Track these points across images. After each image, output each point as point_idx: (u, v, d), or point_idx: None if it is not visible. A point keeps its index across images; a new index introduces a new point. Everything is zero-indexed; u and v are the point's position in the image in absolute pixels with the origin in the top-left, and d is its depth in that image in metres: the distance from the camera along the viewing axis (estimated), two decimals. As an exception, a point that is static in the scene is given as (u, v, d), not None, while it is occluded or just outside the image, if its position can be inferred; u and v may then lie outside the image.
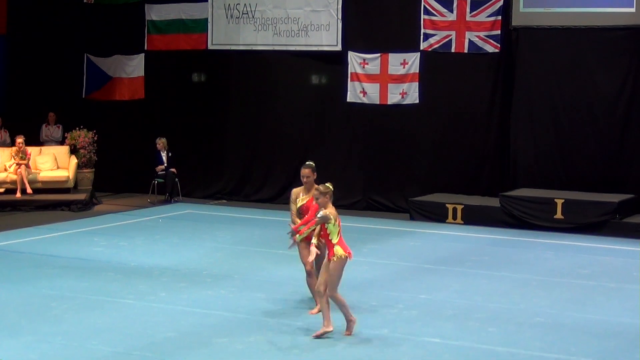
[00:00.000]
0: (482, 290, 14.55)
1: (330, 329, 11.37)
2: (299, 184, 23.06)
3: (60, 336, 11.66)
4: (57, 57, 25.24)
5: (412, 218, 21.00)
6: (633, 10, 20.19)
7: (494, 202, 20.72)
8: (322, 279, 11.49)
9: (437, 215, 20.82)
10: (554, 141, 21.24)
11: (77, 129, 24.01)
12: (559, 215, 19.88)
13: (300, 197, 12.75)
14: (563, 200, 19.92)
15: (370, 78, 22.56)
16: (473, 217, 20.55)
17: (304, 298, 13.51)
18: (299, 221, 12.44)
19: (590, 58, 20.84)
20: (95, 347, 11.24)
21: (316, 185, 12.06)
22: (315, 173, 12.68)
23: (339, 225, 11.47)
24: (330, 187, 11.64)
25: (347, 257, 11.42)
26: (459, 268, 16.11)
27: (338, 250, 11.36)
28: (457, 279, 15.27)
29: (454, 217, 20.72)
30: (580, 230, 19.52)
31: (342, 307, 11.43)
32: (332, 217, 11.35)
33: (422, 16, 21.90)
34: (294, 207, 12.74)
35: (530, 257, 17.25)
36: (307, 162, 12.98)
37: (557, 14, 20.98)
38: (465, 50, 21.64)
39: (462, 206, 20.78)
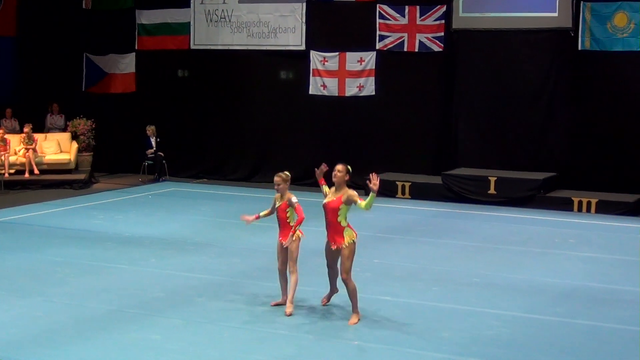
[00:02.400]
0: (427, 255, 14.63)
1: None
2: (269, 165, 23.25)
3: (64, 296, 11.65)
4: (59, 55, 25.05)
5: (367, 194, 20.98)
6: (555, 14, 20.28)
7: (437, 179, 20.78)
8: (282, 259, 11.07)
9: (388, 191, 20.84)
10: (488, 127, 21.34)
11: (78, 118, 23.85)
12: (492, 190, 19.97)
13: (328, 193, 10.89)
14: (496, 178, 20.01)
15: (330, 73, 22.58)
16: (419, 193, 20.61)
17: (274, 262, 13.55)
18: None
19: (519, 56, 20.91)
20: (94, 305, 11.24)
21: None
22: (348, 175, 10.76)
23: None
24: (288, 175, 11.08)
25: (299, 238, 10.87)
26: (407, 236, 16.19)
27: (298, 234, 10.84)
28: (406, 245, 15.35)
29: (403, 193, 20.78)
30: (510, 204, 19.62)
31: (293, 285, 10.90)
32: (295, 200, 10.87)
33: (378, 20, 21.91)
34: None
35: (468, 227, 17.33)
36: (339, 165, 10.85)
37: (491, 18, 21.03)
38: (416, 50, 21.66)
39: (410, 183, 20.84)
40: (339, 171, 10.71)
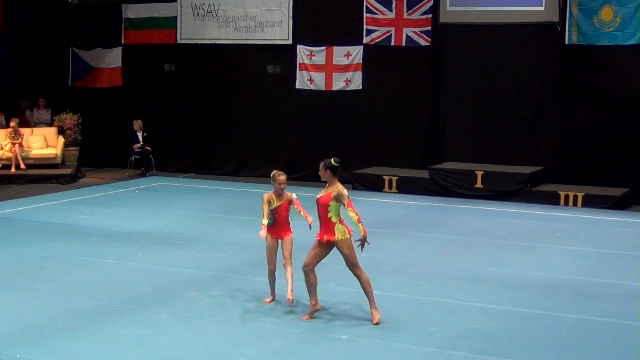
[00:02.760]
0: (414, 249, 14.67)
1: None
2: (256, 159, 23.30)
3: (51, 292, 11.64)
4: (46, 50, 24.98)
5: (354, 188, 21.03)
6: (542, 8, 20.32)
7: (424, 173, 20.82)
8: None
9: (375, 185, 20.90)
10: (476, 121, 21.37)
11: (64, 112, 23.83)
12: (479, 184, 20.02)
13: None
14: (483, 172, 20.06)
15: (317, 68, 22.59)
16: (406, 187, 20.64)
17: (262, 257, 13.56)
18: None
19: (506, 50, 20.95)
20: (81, 300, 11.23)
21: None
22: (327, 170, 10.43)
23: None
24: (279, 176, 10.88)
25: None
26: (395, 230, 16.21)
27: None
28: (393, 239, 15.36)
29: (390, 187, 20.81)
30: (497, 197, 19.67)
31: (291, 275, 10.87)
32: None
33: (365, 14, 21.93)
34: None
35: (455, 221, 17.37)
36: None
37: (478, 12, 21.05)
38: (403, 44, 21.68)
39: (397, 177, 20.87)
40: (319, 170, 10.54)
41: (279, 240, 11.01)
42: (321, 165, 10.49)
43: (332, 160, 10.41)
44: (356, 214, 10.27)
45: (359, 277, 10.50)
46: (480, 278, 12.73)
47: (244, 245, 14.56)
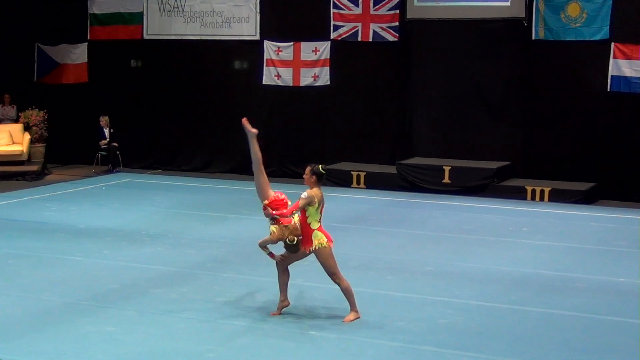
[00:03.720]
0: (381, 244, 14.71)
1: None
2: (224, 155, 23.27)
3: (17, 289, 11.59)
4: (11, 45, 24.80)
5: (322, 184, 21.05)
6: (508, 4, 20.43)
7: (392, 169, 20.88)
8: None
9: (343, 180, 20.93)
10: (443, 117, 21.45)
11: (30, 108, 23.66)
12: (446, 179, 20.11)
13: None
14: (450, 167, 20.15)
15: (284, 63, 22.58)
16: (374, 182, 20.70)
17: (229, 253, 13.58)
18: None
19: (473, 45, 21.01)
20: (48, 298, 11.20)
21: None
22: (313, 176, 10.41)
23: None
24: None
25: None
26: (362, 226, 16.26)
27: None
28: (360, 235, 15.40)
29: (358, 183, 20.86)
30: (464, 193, 19.75)
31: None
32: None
33: (332, 10, 21.94)
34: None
35: (422, 216, 17.45)
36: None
37: (445, 7, 21.09)
38: (370, 39, 21.70)
39: (365, 173, 20.92)
40: (305, 174, 10.49)
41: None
42: (308, 169, 10.45)
43: (319, 166, 10.42)
44: (290, 213, 10.19)
45: (338, 285, 10.49)
46: (447, 273, 12.82)
47: (211, 242, 14.57)
